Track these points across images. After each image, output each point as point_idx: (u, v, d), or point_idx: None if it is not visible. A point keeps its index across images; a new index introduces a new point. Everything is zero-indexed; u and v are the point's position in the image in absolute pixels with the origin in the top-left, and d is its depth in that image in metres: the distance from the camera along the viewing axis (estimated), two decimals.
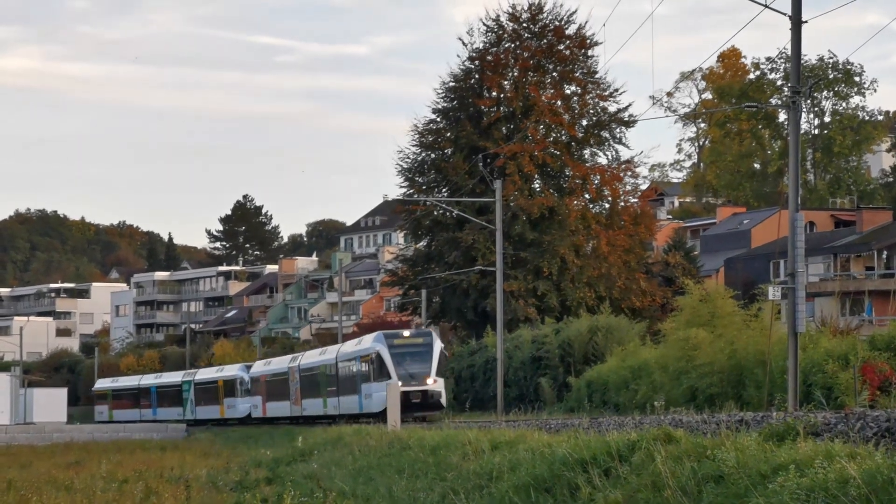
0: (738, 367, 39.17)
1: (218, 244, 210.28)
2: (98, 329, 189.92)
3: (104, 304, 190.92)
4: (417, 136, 79.95)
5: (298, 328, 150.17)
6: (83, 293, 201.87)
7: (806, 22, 31.52)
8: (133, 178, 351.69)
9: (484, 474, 23.41)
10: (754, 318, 41.65)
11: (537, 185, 77.96)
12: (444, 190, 79.25)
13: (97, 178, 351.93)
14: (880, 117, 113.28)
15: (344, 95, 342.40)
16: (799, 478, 14.46)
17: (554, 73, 79.51)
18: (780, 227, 72.10)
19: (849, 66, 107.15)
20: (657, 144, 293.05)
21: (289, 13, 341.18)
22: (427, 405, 56.90)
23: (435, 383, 57.49)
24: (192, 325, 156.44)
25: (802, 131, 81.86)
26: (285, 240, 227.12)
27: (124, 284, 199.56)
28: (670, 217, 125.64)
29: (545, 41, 79.00)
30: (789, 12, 31.58)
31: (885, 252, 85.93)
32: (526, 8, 79.38)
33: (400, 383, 53.17)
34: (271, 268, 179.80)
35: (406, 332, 61.70)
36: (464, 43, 79.82)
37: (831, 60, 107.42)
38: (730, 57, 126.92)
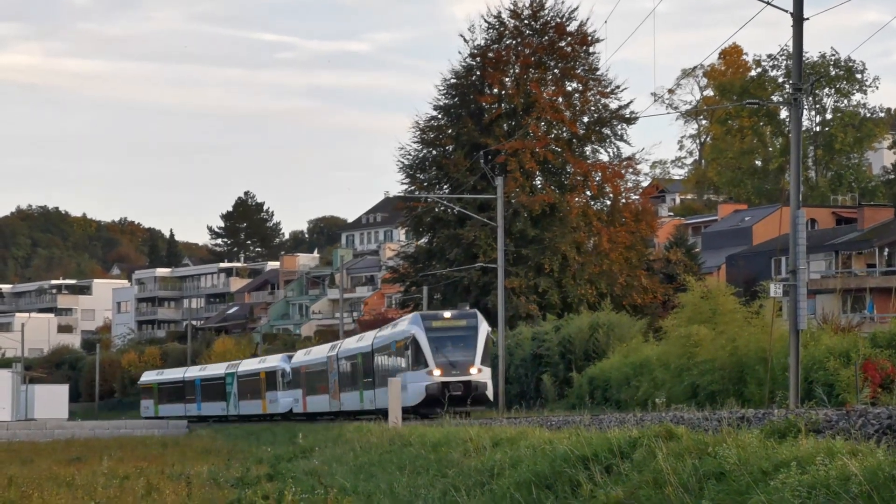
0: (739, 364, 39.17)
1: (219, 241, 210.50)
2: (99, 325, 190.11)
3: (105, 300, 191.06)
4: (419, 132, 79.89)
5: (300, 325, 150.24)
6: (84, 290, 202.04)
7: (807, 19, 31.56)
8: (134, 175, 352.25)
9: (485, 471, 23.39)
10: (756, 315, 41.69)
11: (538, 182, 77.91)
12: (445, 187, 79.16)
13: (98, 174, 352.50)
14: (882, 114, 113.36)
15: (345, 92, 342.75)
16: (800, 475, 14.45)
17: (555, 70, 79.43)
18: (781, 224, 72.31)
19: (850, 63, 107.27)
20: (658, 141, 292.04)
21: (289, 10, 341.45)
22: (470, 398, 49.66)
23: (480, 373, 50.08)
24: (194, 322, 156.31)
25: (804, 128, 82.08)
26: (286, 236, 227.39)
27: (126, 281, 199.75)
28: (671, 214, 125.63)
29: (546, 38, 78.92)
30: (791, 9, 31.62)
31: (887, 249, 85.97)
32: (527, 5, 79.34)
33: (438, 372, 48.64)
34: (272, 264, 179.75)
35: (447, 314, 53.34)
36: (465, 40, 79.81)
37: (833, 57, 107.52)
38: (731, 54, 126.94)
